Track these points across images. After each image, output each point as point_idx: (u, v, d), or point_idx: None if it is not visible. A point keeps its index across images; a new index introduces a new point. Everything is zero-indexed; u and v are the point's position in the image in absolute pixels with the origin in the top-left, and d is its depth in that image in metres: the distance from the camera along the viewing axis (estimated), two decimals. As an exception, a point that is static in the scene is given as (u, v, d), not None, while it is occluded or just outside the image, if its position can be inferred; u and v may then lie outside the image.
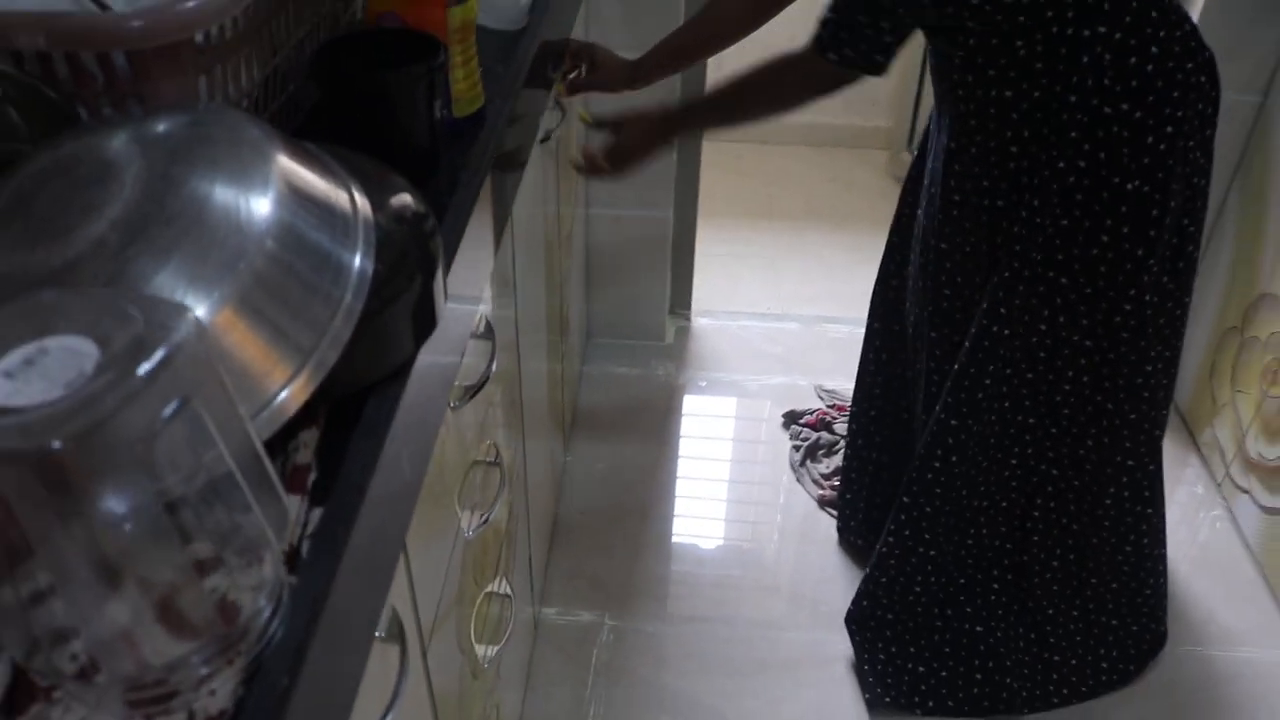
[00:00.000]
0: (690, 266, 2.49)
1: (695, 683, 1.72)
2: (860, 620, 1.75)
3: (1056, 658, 1.69)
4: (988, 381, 1.45)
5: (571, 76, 1.67)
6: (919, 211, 1.56)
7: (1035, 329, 1.40)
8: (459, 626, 1.08)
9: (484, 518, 1.12)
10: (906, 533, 1.63)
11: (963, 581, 1.66)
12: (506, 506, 1.32)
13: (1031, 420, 1.48)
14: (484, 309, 1.08)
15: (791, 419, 2.24)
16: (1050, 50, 1.24)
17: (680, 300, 2.54)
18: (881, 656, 1.72)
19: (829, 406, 2.25)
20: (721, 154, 3.24)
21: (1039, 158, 1.31)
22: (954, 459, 1.53)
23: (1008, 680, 1.67)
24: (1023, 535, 1.61)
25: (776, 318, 2.59)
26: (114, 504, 0.47)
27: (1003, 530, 1.61)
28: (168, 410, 0.48)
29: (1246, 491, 1.98)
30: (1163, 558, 1.69)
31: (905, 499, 1.60)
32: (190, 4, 0.76)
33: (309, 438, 0.69)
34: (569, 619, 1.81)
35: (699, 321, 2.56)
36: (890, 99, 3.32)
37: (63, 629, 0.55)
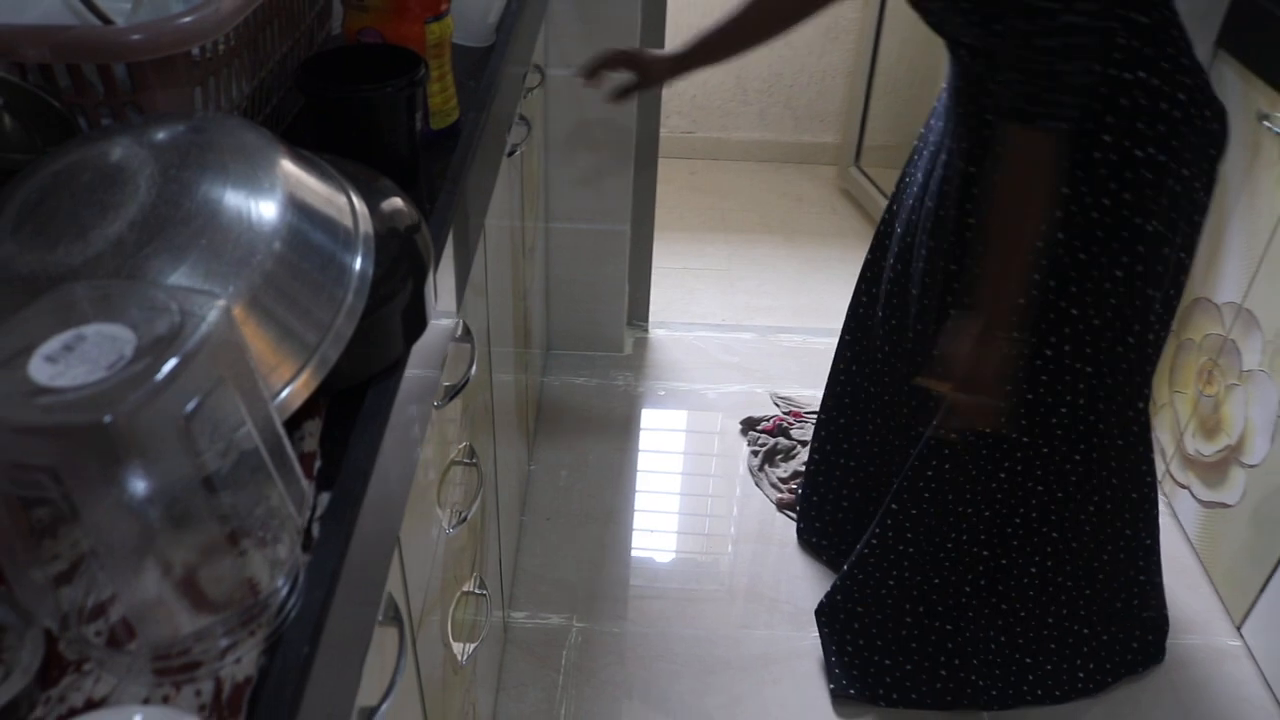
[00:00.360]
0: (648, 279, 2.54)
1: (662, 682, 1.76)
2: (830, 613, 1.80)
3: (1028, 659, 1.74)
4: None
5: (616, 87, 1.67)
6: (918, 232, 1.57)
7: (1041, 354, 1.44)
8: (440, 621, 1.12)
9: (463, 515, 1.15)
10: (890, 535, 1.67)
11: (937, 581, 1.71)
12: (481, 506, 1.35)
13: (1025, 439, 1.53)
14: (462, 314, 1.12)
15: (749, 425, 2.29)
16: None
17: (638, 312, 2.59)
18: (849, 649, 1.76)
19: (785, 413, 2.31)
20: (676, 170, 3.30)
21: (1063, 192, 1.33)
22: (947, 468, 1.58)
23: (973, 678, 1.73)
24: (1001, 541, 1.67)
25: (732, 328, 2.65)
26: (156, 477, 0.51)
27: (982, 537, 1.66)
28: (203, 390, 0.52)
29: (1186, 487, 2.07)
30: (1138, 581, 1.75)
31: (894, 505, 1.65)
32: (187, 19, 0.79)
33: (313, 428, 0.73)
34: (537, 622, 1.84)
35: (656, 333, 2.61)
36: (837, 116, 3.41)
37: (95, 601, 0.59)
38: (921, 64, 3.13)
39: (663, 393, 2.42)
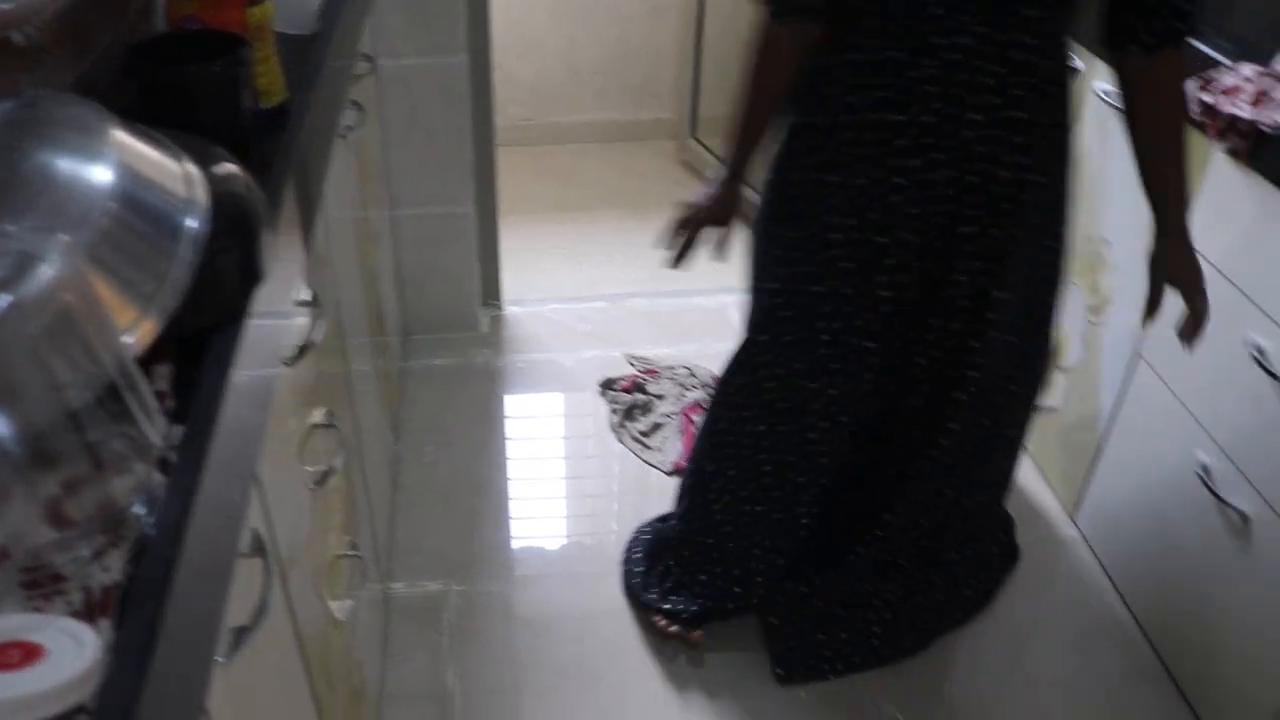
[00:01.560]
0: (496, 258, 2.61)
1: (544, 636, 1.84)
2: (787, 605, 1.80)
3: (920, 598, 1.82)
4: (987, 401, 1.60)
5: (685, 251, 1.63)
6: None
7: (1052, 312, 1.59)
8: (314, 571, 1.18)
9: (326, 470, 1.21)
10: (873, 548, 1.73)
11: (860, 551, 1.76)
12: (345, 471, 1.41)
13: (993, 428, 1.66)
14: (309, 283, 1.18)
15: (607, 386, 2.39)
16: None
17: (490, 291, 2.66)
18: (792, 631, 1.80)
19: (641, 371, 2.42)
20: (519, 157, 3.37)
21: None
22: (938, 475, 1.67)
23: (892, 632, 1.80)
24: (906, 508, 1.73)
25: (584, 299, 2.74)
26: (19, 401, 0.57)
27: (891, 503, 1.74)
28: (53, 317, 0.58)
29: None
30: (1000, 507, 1.92)
31: (887, 519, 1.71)
32: (6, 5, 0.84)
33: (164, 371, 0.79)
34: (417, 589, 1.90)
35: (511, 310, 2.68)
36: (670, 92, 3.53)
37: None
38: (744, 38, 3.26)
39: (522, 365, 2.50)
